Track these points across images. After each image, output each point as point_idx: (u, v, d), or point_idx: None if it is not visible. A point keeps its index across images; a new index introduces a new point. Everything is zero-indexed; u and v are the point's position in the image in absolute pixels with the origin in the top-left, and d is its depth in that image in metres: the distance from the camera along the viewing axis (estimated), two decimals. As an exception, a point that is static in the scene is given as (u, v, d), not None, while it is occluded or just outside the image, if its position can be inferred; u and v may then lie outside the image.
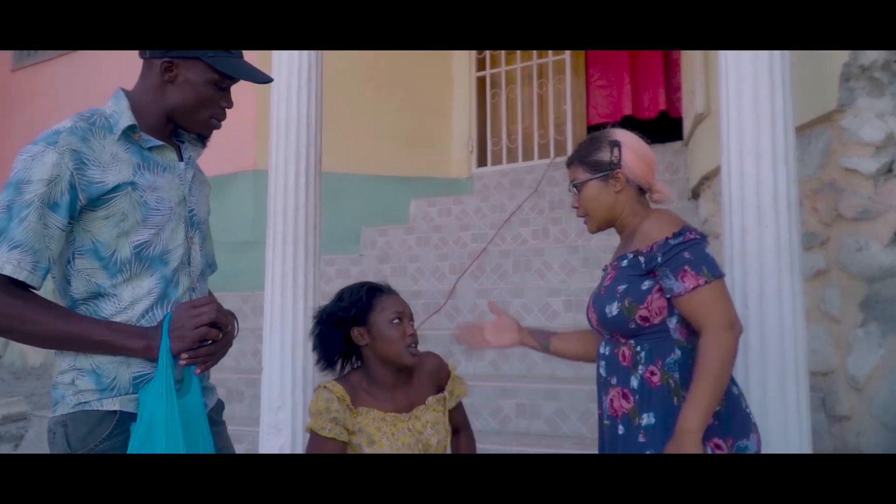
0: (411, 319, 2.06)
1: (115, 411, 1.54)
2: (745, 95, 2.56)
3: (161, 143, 1.67)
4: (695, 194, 4.65)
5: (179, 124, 1.71)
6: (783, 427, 2.43)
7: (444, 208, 5.87)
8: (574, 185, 1.99)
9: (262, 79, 1.76)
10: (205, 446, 1.60)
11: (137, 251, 1.58)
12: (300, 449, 3.37)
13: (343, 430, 1.94)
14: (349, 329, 2.02)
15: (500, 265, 4.77)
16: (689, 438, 1.64)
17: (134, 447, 1.50)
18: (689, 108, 4.84)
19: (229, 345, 1.68)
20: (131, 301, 1.57)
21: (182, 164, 1.72)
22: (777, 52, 2.54)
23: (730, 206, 2.57)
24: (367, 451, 1.96)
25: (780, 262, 2.48)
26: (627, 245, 1.91)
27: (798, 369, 2.46)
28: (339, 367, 2.10)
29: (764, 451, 2.39)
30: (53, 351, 1.59)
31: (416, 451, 1.99)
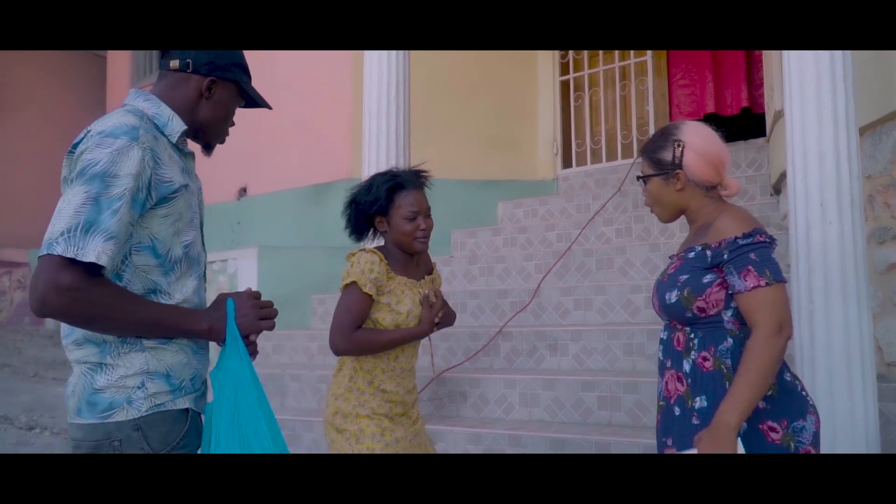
0: (427, 215, 2.47)
1: (186, 409, 1.63)
2: (808, 97, 2.67)
3: (191, 151, 1.79)
4: (776, 190, 4.69)
5: (202, 136, 1.80)
6: (850, 416, 2.53)
7: (530, 209, 6.07)
8: (639, 178, 2.10)
9: (264, 104, 1.89)
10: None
11: (186, 251, 1.67)
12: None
13: (376, 290, 2.37)
14: (373, 217, 2.47)
15: (583, 263, 4.94)
16: (724, 432, 1.74)
17: (223, 423, 1.57)
18: (770, 105, 4.87)
19: None
20: (182, 300, 1.65)
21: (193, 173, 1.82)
22: (839, 55, 2.63)
23: (794, 203, 2.69)
24: (395, 308, 2.40)
25: (844, 257, 2.58)
26: (697, 237, 1.99)
27: (864, 361, 2.56)
28: (366, 236, 2.58)
29: (831, 439, 2.51)
30: (98, 354, 1.58)
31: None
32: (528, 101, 6.73)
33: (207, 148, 1.86)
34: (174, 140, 1.69)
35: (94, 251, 1.44)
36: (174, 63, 1.73)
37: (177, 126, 1.69)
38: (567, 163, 6.61)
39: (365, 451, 2.36)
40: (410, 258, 2.51)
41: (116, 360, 1.57)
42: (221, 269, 6.30)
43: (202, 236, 1.81)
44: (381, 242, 2.60)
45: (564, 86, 6.70)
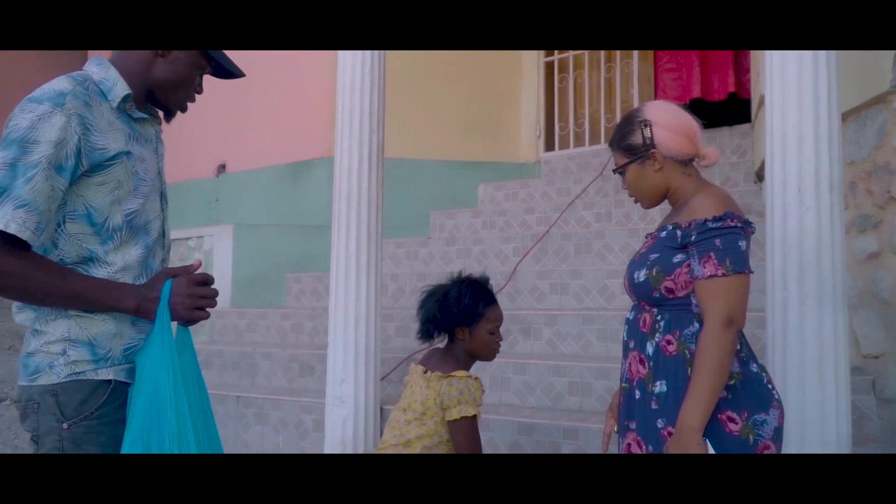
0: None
1: (109, 380, 1.58)
2: (789, 78, 2.58)
3: (146, 115, 1.71)
4: (759, 177, 4.61)
5: (158, 98, 1.73)
6: (820, 409, 2.46)
7: (511, 192, 5.97)
8: (616, 171, 2.04)
9: (238, 73, 1.82)
10: (202, 400, 1.65)
11: (128, 219, 1.62)
12: (362, 419, 3.58)
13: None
14: (456, 324, 2.41)
15: (561, 247, 4.86)
16: (689, 436, 1.70)
17: (137, 411, 1.53)
18: (756, 89, 4.79)
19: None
20: (122, 267, 1.61)
21: (155, 139, 1.77)
22: (822, 36, 2.55)
23: (772, 188, 2.61)
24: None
25: (821, 244, 2.50)
26: (674, 216, 1.94)
27: (837, 351, 2.48)
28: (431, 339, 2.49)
29: (800, 431, 2.44)
30: (33, 320, 1.59)
31: None
32: (512, 82, 6.62)
33: (167, 114, 1.79)
34: (115, 105, 1.62)
35: (3, 218, 1.43)
36: None
37: (119, 91, 1.63)
38: (550, 146, 6.51)
39: None
40: (472, 360, 2.48)
41: (44, 327, 1.57)
42: (197, 245, 6.20)
43: (163, 203, 1.76)
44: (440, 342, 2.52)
45: (549, 67, 6.59)
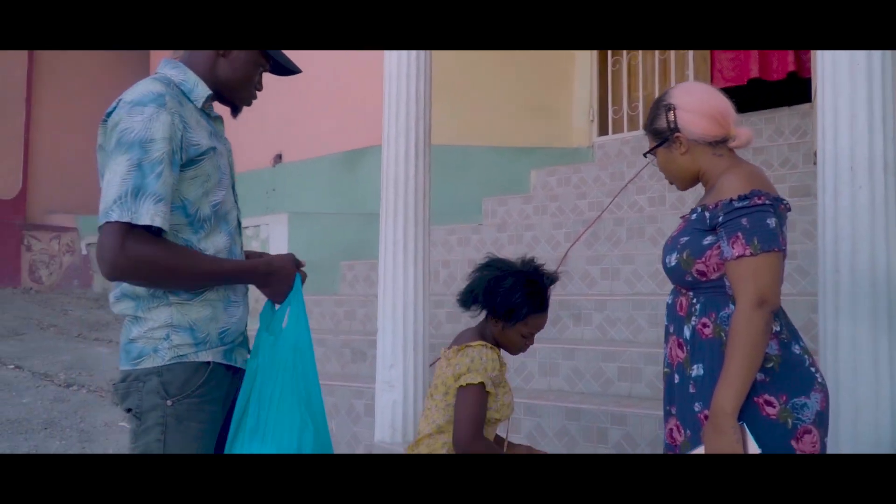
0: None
1: (208, 362, 1.71)
2: (840, 52, 2.50)
3: (219, 114, 1.85)
4: (819, 157, 4.47)
5: (225, 96, 1.85)
6: (874, 395, 2.39)
7: (564, 177, 5.93)
8: (645, 154, 2.05)
9: (295, 70, 1.92)
10: None
11: (215, 209, 1.76)
12: (411, 404, 3.62)
13: (493, 387, 2.23)
14: (494, 315, 2.27)
15: (613, 232, 4.80)
16: (723, 420, 1.67)
17: (302, 388, 1.76)
18: (816, 66, 4.63)
19: None
20: (215, 253, 1.75)
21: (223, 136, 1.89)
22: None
23: (823, 166, 2.54)
24: (500, 398, 2.26)
25: (875, 224, 2.42)
26: (704, 198, 1.92)
27: (892, 334, 2.41)
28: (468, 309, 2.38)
29: (853, 418, 2.38)
30: (133, 308, 1.70)
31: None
32: (564, 65, 6.55)
33: (234, 110, 1.92)
34: (200, 105, 1.77)
35: (148, 214, 1.57)
36: None
37: (202, 91, 1.77)
38: (603, 130, 6.44)
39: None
40: (498, 345, 2.37)
41: (146, 314, 1.69)
42: (254, 234, 6.34)
43: (234, 194, 1.89)
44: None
45: (602, 49, 6.49)
